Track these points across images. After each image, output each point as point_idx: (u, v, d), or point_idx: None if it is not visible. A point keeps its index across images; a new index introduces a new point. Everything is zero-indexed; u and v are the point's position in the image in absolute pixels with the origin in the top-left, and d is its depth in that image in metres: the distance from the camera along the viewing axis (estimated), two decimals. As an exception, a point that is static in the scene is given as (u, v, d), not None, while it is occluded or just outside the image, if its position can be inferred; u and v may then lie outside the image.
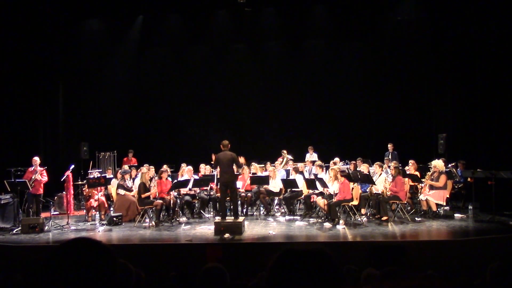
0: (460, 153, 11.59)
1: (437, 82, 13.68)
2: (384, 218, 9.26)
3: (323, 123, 14.88)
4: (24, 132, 12.24)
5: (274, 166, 11.65)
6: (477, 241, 7.74)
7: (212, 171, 10.73)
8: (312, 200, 10.08)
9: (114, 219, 9.63)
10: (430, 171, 9.88)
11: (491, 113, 10.68)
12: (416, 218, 9.43)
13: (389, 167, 10.67)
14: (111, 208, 10.40)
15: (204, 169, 11.31)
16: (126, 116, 15.13)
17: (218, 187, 9.62)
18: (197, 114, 15.14)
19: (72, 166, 11.11)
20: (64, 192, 10.91)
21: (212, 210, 10.67)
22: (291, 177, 10.81)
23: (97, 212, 10.17)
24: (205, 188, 10.60)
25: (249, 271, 5.11)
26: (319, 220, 9.48)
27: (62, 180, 10.67)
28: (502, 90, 10.45)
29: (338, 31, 14.50)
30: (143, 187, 9.74)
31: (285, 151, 13.11)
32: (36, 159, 9.98)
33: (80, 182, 12.02)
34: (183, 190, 10.33)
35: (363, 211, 9.66)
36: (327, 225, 8.99)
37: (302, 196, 10.36)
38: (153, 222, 9.54)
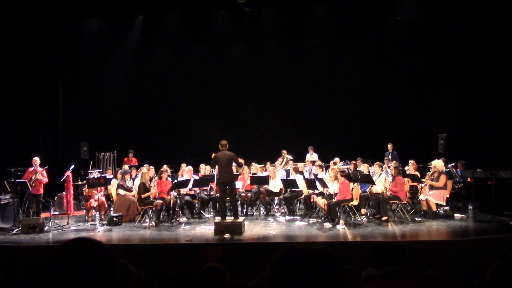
0: (460, 153, 11.59)
1: (437, 82, 13.68)
2: (384, 218, 9.26)
3: (323, 123, 14.87)
4: (24, 132, 12.24)
5: (274, 166, 11.65)
6: (477, 241, 7.74)
7: (212, 171, 10.73)
8: (312, 200, 10.08)
9: (114, 219, 9.63)
10: (430, 171, 9.89)
11: (491, 113, 10.68)
12: (416, 218, 9.43)
13: (389, 167, 10.67)
14: (111, 208, 10.40)
15: (204, 169, 11.31)
16: (126, 116, 15.12)
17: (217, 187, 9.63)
18: (197, 114, 15.13)
19: (72, 166, 11.12)
20: (64, 192, 10.91)
21: (212, 210, 10.67)
22: (291, 177, 10.81)
23: (97, 212, 10.17)
24: (205, 188, 10.60)
25: (249, 271, 5.11)
26: (319, 220, 9.48)
27: (62, 180, 10.67)
28: (502, 90, 10.45)
29: (338, 31, 14.50)
30: (143, 187, 9.74)
31: (285, 151, 13.11)
32: (36, 159, 9.98)
33: (80, 182, 12.01)
34: (183, 190, 10.33)
35: (363, 211, 9.66)
36: (327, 225, 8.99)
37: (302, 196, 10.36)
38: (153, 222, 9.55)
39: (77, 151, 13.13)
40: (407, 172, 10.35)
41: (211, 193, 10.52)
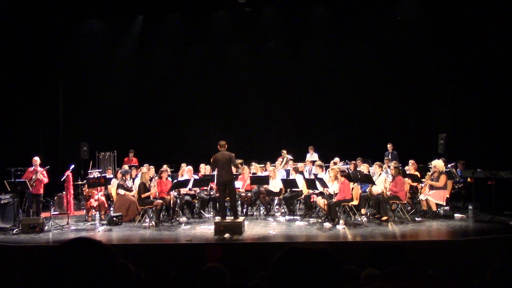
0: (460, 153, 11.59)
1: (437, 82, 13.68)
2: (384, 218, 9.26)
3: (323, 123, 14.87)
4: (24, 132, 12.24)
5: (274, 166, 11.65)
6: (477, 241, 7.74)
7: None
8: (312, 200, 10.08)
9: (114, 219, 9.63)
10: (430, 171, 9.89)
11: (491, 113, 10.68)
12: (416, 218, 9.43)
13: (389, 167, 10.66)
14: (111, 208, 10.40)
15: (204, 169, 11.31)
16: (126, 116, 15.12)
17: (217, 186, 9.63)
18: (197, 114, 15.13)
19: (72, 166, 11.12)
20: (64, 192, 10.92)
21: (212, 210, 10.67)
22: (291, 177, 10.80)
23: (97, 212, 10.17)
24: (205, 188, 10.60)
25: (249, 271, 5.11)
26: (319, 220, 9.48)
27: (62, 180, 10.68)
28: (502, 90, 10.45)
29: (338, 31, 14.50)
30: (143, 187, 9.74)
31: (285, 151, 13.10)
32: (36, 159, 9.98)
33: (80, 182, 12.02)
34: (183, 190, 10.33)
35: (363, 211, 9.66)
36: (327, 225, 8.99)
37: (302, 196, 10.35)
38: (153, 222, 9.55)
39: (77, 151, 13.13)
40: (407, 172, 10.35)
41: (211, 193, 10.52)
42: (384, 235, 8.25)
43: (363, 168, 10.44)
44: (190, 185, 10.26)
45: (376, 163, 10.46)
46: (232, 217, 8.65)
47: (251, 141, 14.78)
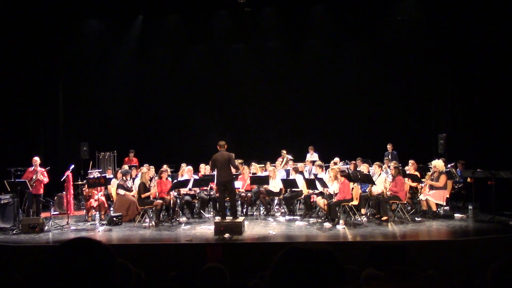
0: (460, 153, 11.59)
1: (437, 82, 13.68)
2: (384, 218, 9.26)
3: (323, 123, 14.87)
4: (24, 132, 12.24)
5: (274, 166, 11.65)
6: (477, 241, 7.74)
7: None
8: (312, 200, 10.08)
9: (114, 219, 9.63)
10: (430, 171, 9.89)
11: (491, 113, 10.69)
12: (416, 218, 9.43)
13: (389, 167, 10.66)
14: (111, 208, 10.40)
15: (204, 169, 11.31)
16: (126, 116, 15.12)
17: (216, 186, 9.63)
18: (197, 114, 15.12)
19: (72, 166, 11.12)
20: (64, 192, 10.92)
21: (212, 210, 10.66)
22: (291, 177, 10.80)
23: (97, 212, 10.17)
24: (205, 188, 10.60)
25: (249, 271, 5.11)
26: (319, 220, 9.48)
27: (62, 180, 10.67)
28: (501, 90, 10.45)
29: (338, 31, 14.49)
30: (143, 187, 9.74)
31: (285, 151, 13.10)
32: (36, 159, 9.98)
33: (80, 182, 12.01)
34: (183, 190, 10.33)
35: (363, 211, 9.66)
36: (327, 225, 8.99)
37: (302, 196, 10.35)
38: (153, 222, 9.55)
39: (77, 151, 13.12)
40: (407, 172, 10.35)
41: (211, 193, 10.52)
42: (384, 235, 8.26)
43: (363, 168, 10.44)
44: (190, 185, 10.26)
45: (376, 163, 10.46)
46: (232, 217, 8.65)
47: (251, 141, 14.77)
